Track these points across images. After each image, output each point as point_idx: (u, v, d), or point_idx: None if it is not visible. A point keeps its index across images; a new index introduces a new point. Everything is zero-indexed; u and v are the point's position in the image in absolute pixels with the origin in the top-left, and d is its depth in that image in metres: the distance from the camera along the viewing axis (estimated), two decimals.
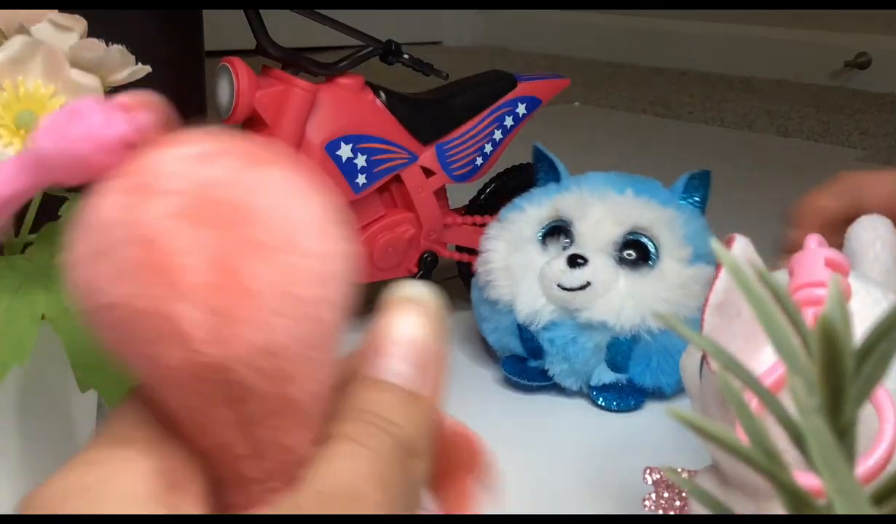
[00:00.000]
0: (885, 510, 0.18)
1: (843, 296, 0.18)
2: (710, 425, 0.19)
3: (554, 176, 0.68)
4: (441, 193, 0.74)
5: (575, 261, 0.60)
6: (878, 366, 0.18)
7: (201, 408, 0.24)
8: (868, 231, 0.44)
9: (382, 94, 0.69)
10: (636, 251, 0.62)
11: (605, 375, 0.62)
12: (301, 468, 0.24)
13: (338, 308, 0.24)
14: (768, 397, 0.19)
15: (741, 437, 0.19)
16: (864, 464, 0.27)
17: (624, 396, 0.62)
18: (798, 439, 0.19)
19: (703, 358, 0.43)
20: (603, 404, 0.62)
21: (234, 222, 0.22)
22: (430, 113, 0.72)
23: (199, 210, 0.22)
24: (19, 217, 0.46)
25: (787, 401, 0.19)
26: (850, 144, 1.55)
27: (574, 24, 2.64)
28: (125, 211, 0.23)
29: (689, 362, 0.45)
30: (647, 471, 0.49)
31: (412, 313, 0.25)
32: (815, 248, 0.37)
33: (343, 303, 0.24)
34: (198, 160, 0.23)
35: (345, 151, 0.67)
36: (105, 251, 0.23)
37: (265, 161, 0.24)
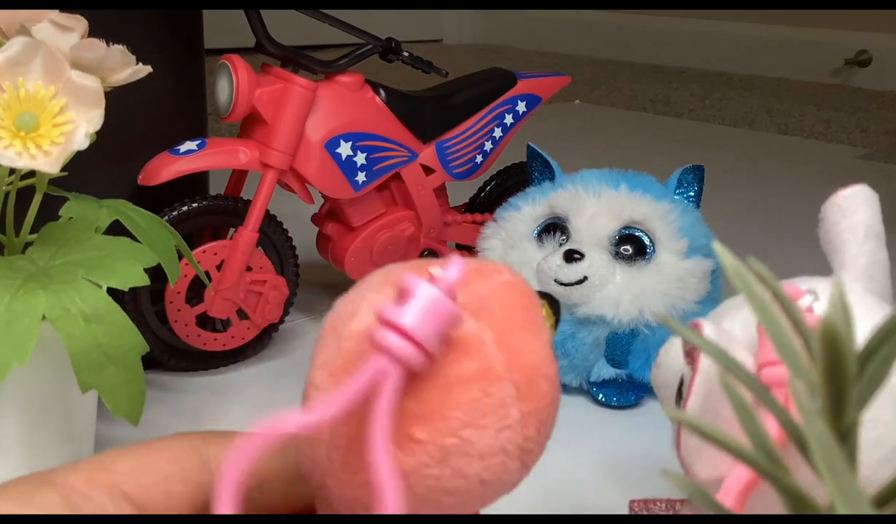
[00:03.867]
0: (887, 513, 0.18)
1: (845, 299, 0.18)
2: (709, 427, 0.19)
3: (548, 174, 0.69)
4: (441, 191, 0.74)
5: (571, 255, 0.60)
6: (880, 369, 0.18)
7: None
8: (845, 217, 0.37)
9: (382, 92, 0.69)
10: (632, 246, 0.62)
11: (605, 371, 0.62)
12: None
13: None
14: (770, 400, 0.19)
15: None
16: None
17: (624, 392, 0.62)
18: (800, 442, 0.19)
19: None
20: (603, 400, 0.62)
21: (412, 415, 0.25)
22: (430, 111, 0.72)
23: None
24: (19, 217, 0.46)
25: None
26: (850, 142, 1.55)
27: (574, 23, 2.64)
28: None
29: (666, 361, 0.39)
30: (635, 505, 0.49)
31: None
32: None
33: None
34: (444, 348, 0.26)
35: (344, 149, 0.67)
36: None
37: (493, 376, 0.26)
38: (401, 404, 0.24)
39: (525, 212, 0.65)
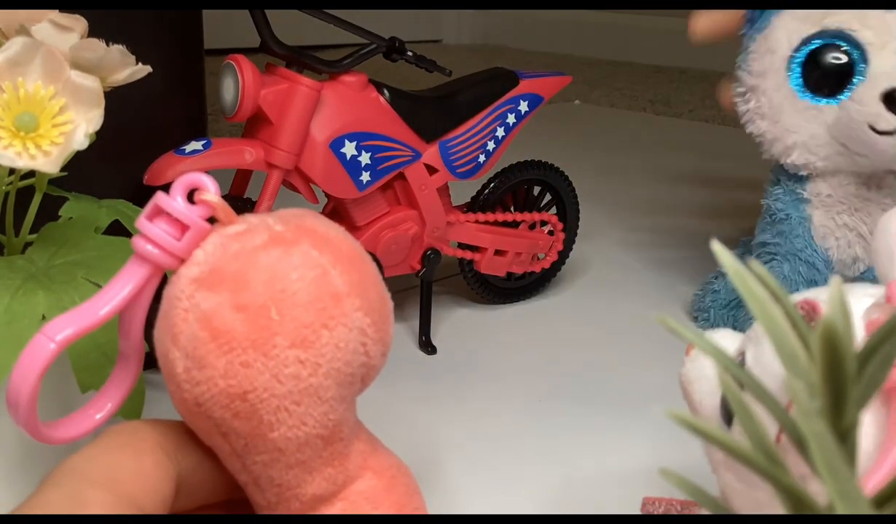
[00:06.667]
0: (886, 513, 0.18)
1: (845, 299, 0.18)
2: (708, 427, 0.19)
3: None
4: (444, 191, 0.74)
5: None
6: (880, 369, 0.18)
7: (206, 435, 0.29)
8: None
9: (386, 92, 0.69)
10: None
11: None
12: (310, 506, 0.28)
13: (324, 372, 0.28)
14: (770, 401, 0.19)
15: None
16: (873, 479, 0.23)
17: None
18: (800, 442, 0.19)
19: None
20: None
21: (230, 287, 0.28)
22: (433, 110, 0.72)
23: (209, 277, 0.29)
24: (19, 217, 0.46)
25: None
26: None
27: (574, 23, 2.64)
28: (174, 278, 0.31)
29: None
30: (649, 503, 0.48)
31: None
32: None
33: (337, 369, 0.29)
34: (229, 239, 0.30)
35: (349, 149, 0.67)
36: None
37: (288, 242, 0.30)
38: (220, 286, 0.28)
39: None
